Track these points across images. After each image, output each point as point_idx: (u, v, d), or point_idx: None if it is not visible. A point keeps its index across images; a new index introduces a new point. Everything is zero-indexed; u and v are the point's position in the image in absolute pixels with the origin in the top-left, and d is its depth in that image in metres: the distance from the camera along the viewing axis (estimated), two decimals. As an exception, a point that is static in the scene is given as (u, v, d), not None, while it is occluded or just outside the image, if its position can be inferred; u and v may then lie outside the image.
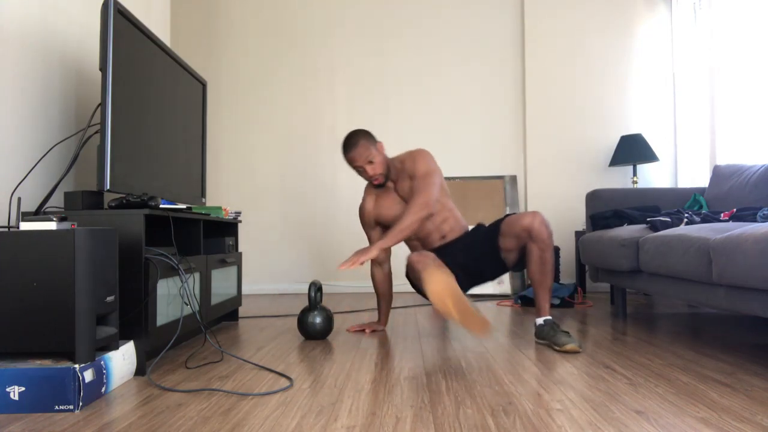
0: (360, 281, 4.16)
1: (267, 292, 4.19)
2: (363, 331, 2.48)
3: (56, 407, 1.39)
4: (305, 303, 3.54)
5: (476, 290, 3.84)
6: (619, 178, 4.09)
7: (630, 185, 4.04)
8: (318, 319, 2.31)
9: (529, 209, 4.12)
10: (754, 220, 2.30)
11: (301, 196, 4.25)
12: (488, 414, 1.33)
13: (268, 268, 4.23)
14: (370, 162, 2.33)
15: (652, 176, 4.08)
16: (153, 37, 2.21)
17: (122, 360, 1.64)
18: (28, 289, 1.44)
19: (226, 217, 2.60)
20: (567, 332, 2.06)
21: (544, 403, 1.41)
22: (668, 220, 2.46)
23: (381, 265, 2.49)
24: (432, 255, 2.16)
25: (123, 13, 1.96)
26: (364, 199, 2.49)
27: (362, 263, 2.10)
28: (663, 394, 1.47)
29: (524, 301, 3.30)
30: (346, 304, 3.50)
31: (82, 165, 2.42)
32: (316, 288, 2.34)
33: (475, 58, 4.22)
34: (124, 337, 1.73)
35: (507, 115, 4.21)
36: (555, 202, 4.12)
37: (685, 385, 1.56)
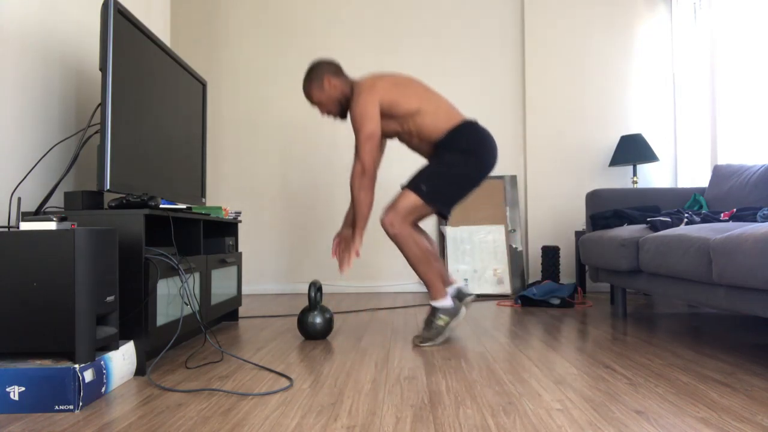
0: (360, 281, 4.17)
1: (267, 292, 4.19)
2: (345, 256, 2.32)
3: (56, 407, 1.39)
4: (305, 303, 3.54)
5: (477, 290, 3.86)
6: (619, 178, 4.09)
7: (630, 185, 4.04)
8: (318, 319, 2.30)
9: (529, 209, 4.13)
10: (754, 220, 2.30)
11: (301, 196, 4.25)
12: (488, 414, 1.33)
13: (268, 268, 4.23)
14: (319, 103, 2.33)
15: (652, 176, 4.08)
16: (153, 37, 2.21)
17: (122, 360, 1.64)
18: (28, 289, 1.44)
19: (226, 217, 2.60)
20: (431, 327, 2.16)
21: (544, 403, 1.41)
22: (668, 220, 2.46)
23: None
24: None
25: (123, 13, 1.96)
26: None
27: (358, 256, 2.20)
28: (663, 394, 1.47)
29: (524, 301, 3.30)
30: (346, 304, 3.50)
31: (82, 165, 2.42)
32: (316, 288, 2.34)
33: (475, 57, 4.22)
34: (124, 337, 1.73)
35: (507, 115, 4.21)
36: (555, 202, 4.12)
37: (685, 385, 1.56)
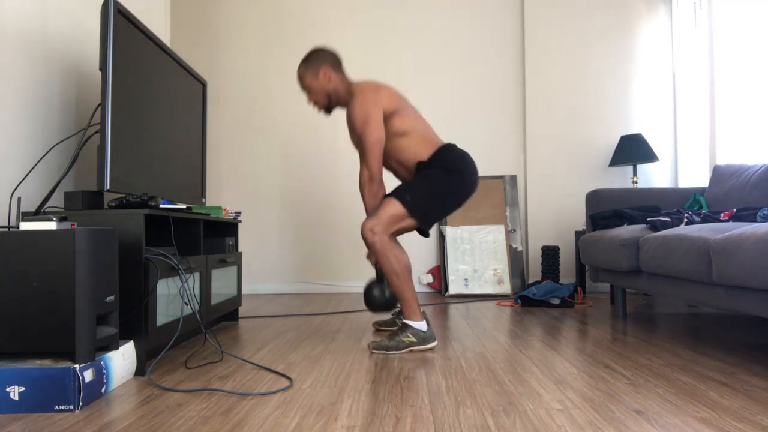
0: (361, 281, 4.17)
1: (267, 292, 4.19)
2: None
3: (56, 407, 1.39)
4: (305, 303, 3.54)
5: (477, 290, 3.85)
6: (619, 178, 4.09)
7: (630, 185, 4.04)
8: (388, 292, 2.41)
9: (529, 209, 4.13)
10: (754, 220, 2.30)
11: (301, 196, 4.25)
12: (488, 414, 1.33)
13: (268, 268, 4.23)
14: (308, 90, 2.27)
15: (652, 176, 4.08)
16: (153, 37, 2.21)
17: (122, 360, 1.64)
18: (28, 289, 1.44)
19: (226, 217, 2.60)
20: (395, 339, 2.05)
21: (544, 403, 1.41)
22: (668, 220, 2.46)
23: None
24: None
25: (123, 13, 1.96)
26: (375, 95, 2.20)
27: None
28: (663, 394, 1.47)
29: (524, 301, 3.30)
30: (347, 304, 3.50)
31: (82, 165, 2.42)
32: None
33: (475, 57, 4.22)
34: (124, 337, 1.73)
35: (507, 115, 4.21)
36: (555, 202, 4.12)
37: (685, 385, 1.56)
